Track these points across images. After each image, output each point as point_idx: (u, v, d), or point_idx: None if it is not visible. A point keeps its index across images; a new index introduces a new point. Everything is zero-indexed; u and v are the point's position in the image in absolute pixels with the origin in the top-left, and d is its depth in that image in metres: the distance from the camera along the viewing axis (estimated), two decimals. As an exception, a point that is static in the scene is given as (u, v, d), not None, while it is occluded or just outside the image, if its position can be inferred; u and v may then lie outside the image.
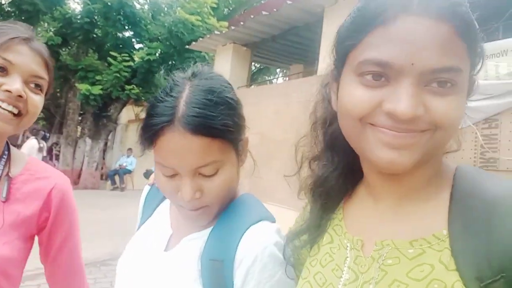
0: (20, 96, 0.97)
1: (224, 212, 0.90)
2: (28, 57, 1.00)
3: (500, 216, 0.53)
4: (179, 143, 0.78)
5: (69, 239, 1.18)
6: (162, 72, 13.19)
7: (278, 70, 14.97)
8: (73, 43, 14.12)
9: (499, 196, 0.55)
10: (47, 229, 1.12)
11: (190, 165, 0.80)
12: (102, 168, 14.88)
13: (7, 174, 1.06)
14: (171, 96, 0.81)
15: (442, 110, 0.56)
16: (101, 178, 14.58)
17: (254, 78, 14.61)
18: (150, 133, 0.81)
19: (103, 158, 15.29)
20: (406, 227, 0.64)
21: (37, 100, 1.03)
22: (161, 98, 0.82)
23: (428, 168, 0.65)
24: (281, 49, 8.03)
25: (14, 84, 0.96)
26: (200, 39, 8.65)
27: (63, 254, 1.17)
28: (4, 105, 0.96)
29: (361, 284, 0.65)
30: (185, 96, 0.81)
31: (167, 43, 12.49)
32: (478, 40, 0.60)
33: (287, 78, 11.40)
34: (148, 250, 0.96)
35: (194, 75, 0.86)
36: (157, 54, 12.81)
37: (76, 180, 13.45)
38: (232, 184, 0.88)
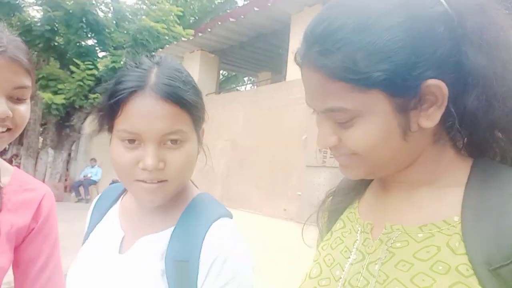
0: (7, 116, 0.94)
1: (184, 212, 0.90)
2: (6, 71, 0.93)
3: None
4: (149, 107, 0.80)
5: (55, 254, 1.13)
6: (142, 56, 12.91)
7: (246, 78, 15.03)
8: (33, 51, 13.64)
9: None
10: (29, 242, 1.07)
11: (158, 130, 0.81)
12: (66, 180, 14.37)
13: None
14: (142, 69, 0.84)
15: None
16: (65, 190, 14.07)
17: (222, 87, 14.58)
18: (118, 98, 0.82)
19: (67, 169, 14.79)
20: (417, 213, 0.67)
21: (23, 111, 0.99)
22: (129, 71, 0.85)
23: (421, 167, 0.68)
24: (249, 56, 8.06)
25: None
26: (167, 46, 8.57)
27: (45, 273, 1.11)
28: None
29: (366, 264, 0.68)
30: (156, 70, 0.84)
31: (133, 51, 12.28)
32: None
33: (255, 86, 11.44)
34: (101, 255, 0.93)
35: (160, 60, 0.88)
36: (122, 62, 12.57)
37: (38, 193, 12.90)
38: (190, 166, 0.88)
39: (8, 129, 0.97)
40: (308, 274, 0.79)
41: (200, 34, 7.20)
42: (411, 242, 0.63)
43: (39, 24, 12.46)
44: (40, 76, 12.47)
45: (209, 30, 6.92)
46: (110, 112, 0.85)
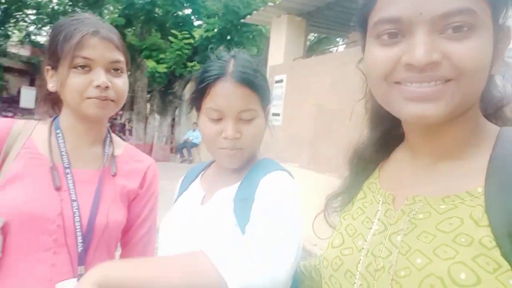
0: (107, 86, 1.12)
1: (250, 170, 1.09)
2: (101, 48, 1.12)
3: None
4: (229, 89, 1.03)
5: (152, 215, 1.34)
6: (221, 48, 13.34)
7: (338, 39, 14.52)
8: (136, 24, 14.69)
9: None
10: (135, 203, 1.29)
11: (235, 108, 1.03)
12: (171, 142, 15.67)
13: (113, 154, 1.27)
14: (223, 60, 1.07)
15: (461, 54, 0.57)
16: (171, 152, 15.36)
17: (314, 49, 14.31)
18: (206, 83, 1.05)
19: (172, 133, 16.06)
20: (440, 185, 0.66)
21: (121, 83, 1.18)
22: (213, 63, 1.07)
23: (465, 125, 0.66)
24: (338, 16, 7.78)
25: (100, 78, 1.11)
26: (255, 12, 8.62)
27: (143, 229, 1.31)
28: (100, 99, 1.13)
29: (389, 234, 0.68)
30: (233, 61, 1.06)
31: (225, 18, 12.57)
32: None
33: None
34: (186, 209, 1.14)
35: (235, 54, 1.10)
36: (215, 30, 12.98)
37: (148, 154, 14.23)
38: (261, 137, 1.09)
39: (111, 101, 1.15)
40: (331, 243, 0.79)
41: (286, -2, 7.14)
42: (434, 214, 0.63)
43: (140, -2, 13.32)
44: (144, 46, 13.47)
45: (295, -7, 6.82)
46: (199, 95, 1.08)
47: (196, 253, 0.84)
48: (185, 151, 14.67)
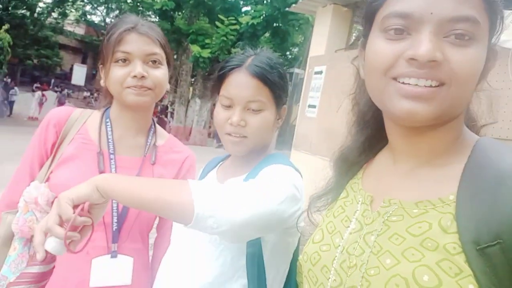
0: (143, 76, 1.20)
1: (258, 163, 1.13)
2: (138, 42, 1.22)
3: (507, 187, 0.55)
4: (241, 79, 1.09)
5: None
6: (266, 35, 13.34)
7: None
8: (185, 7, 14.92)
9: (509, 169, 0.58)
10: None
11: (244, 97, 1.08)
12: (209, 127, 15.90)
13: (154, 144, 1.36)
14: (245, 55, 1.13)
15: (459, 61, 0.59)
16: (209, 136, 15.62)
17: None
18: (224, 72, 1.12)
19: (211, 118, 16.25)
20: (416, 190, 0.68)
21: (158, 73, 1.25)
22: (235, 56, 1.15)
23: (448, 134, 0.68)
24: (386, 9, 7.52)
25: (136, 68, 1.20)
26: (300, 1, 8.49)
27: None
28: (137, 88, 1.22)
29: (364, 234, 0.70)
30: (253, 57, 1.12)
31: (272, 5, 12.50)
32: None
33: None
34: None
35: (258, 52, 1.16)
36: (261, 17, 12.94)
37: (187, 137, 14.61)
38: (266, 130, 1.13)
39: (149, 89, 1.23)
40: (312, 239, 0.83)
41: (333, -13, 6.95)
42: (406, 217, 0.65)
43: (190, -18, 13.49)
44: (191, 31, 13.69)
45: (342, -18, 6.63)
46: (217, 82, 1.15)
47: (184, 181, 0.92)
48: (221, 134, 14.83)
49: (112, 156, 1.26)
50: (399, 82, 0.62)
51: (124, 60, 1.21)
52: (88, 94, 26.13)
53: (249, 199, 0.92)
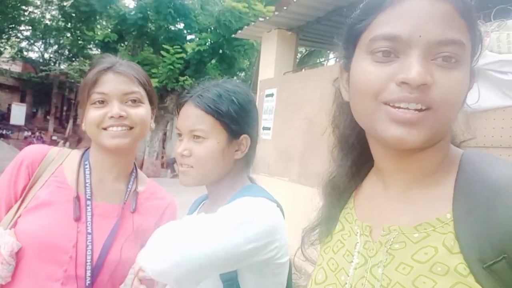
0: (121, 116, 1.15)
1: (228, 200, 1.07)
2: (114, 82, 1.17)
3: (501, 199, 0.55)
4: (186, 111, 1.11)
5: None
6: (213, 62, 13.43)
7: (329, 52, 14.63)
8: (128, 39, 14.76)
9: (501, 180, 0.57)
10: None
11: (187, 126, 1.10)
12: (162, 157, 15.59)
13: (135, 190, 1.29)
14: (198, 87, 1.15)
15: (446, 83, 0.60)
16: (162, 167, 15.29)
17: (305, 62, 14.41)
18: (177, 105, 1.15)
19: (163, 148, 16.01)
20: (412, 213, 0.66)
21: (138, 112, 1.20)
22: (192, 88, 1.16)
23: (436, 154, 0.68)
24: (327, 30, 7.82)
25: (113, 109, 1.15)
26: (245, 27, 8.66)
27: None
28: (114, 128, 1.17)
29: (370, 267, 0.68)
30: (206, 87, 1.13)
31: (217, 32, 12.66)
32: (475, 19, 0.64)
33: (336, 60, 11.08)
34: None
35: (225, 80, 1.18)
36: (207, 44, 13.05)
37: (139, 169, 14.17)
38: (214, 160, 1.09)
39: (130, 128, 1.18)
40: (314, 280, 0.79)
41: (276, 13, 7.18)
42: (408, 243, 0.63)
43: (132, 13, 13.41)
44: (136, 61, 13.42)
45: (285, 8, 6.86)
46: (177, 114, 1.17)
47: None
48: (176, 165, 14.57)
49: (88, 202, 1.19)
50: (390, 106, 0.62)
51: (102, 102, 1.17)
52: (29, 133, 24.83)
53: (174, 244, 0.93)
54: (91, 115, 1.17)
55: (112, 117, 1.15)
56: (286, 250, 1.03)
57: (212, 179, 1.12)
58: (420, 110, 0.60)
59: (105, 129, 1.16)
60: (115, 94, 1.17)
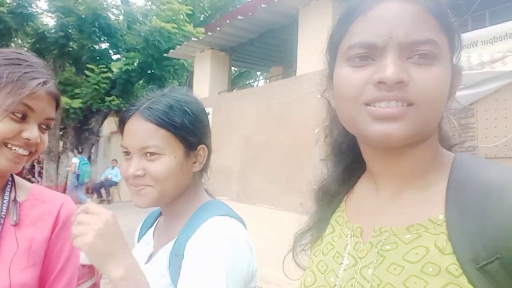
0: (36, 142, 1.02)
1: (189, 219, 1.02)
2: (44, 102, 1.02)
3: (494, 200, 0.56)
4: (133, 126, 1.00)
5: (67, 268, 1.12)
6: (141, 82, 13.11)
7: (258, 73, 15.01)
8: (49, 58, 13.91)
9: (493, 182, 0.58)
10: (48, 252, 1.08)
11: (137, 144, 0.99)
12: (87, 183, 14.68)
13: (14, 199, 1.08)
14: (143, 98, 1.06)
15: (425, 80, 0.61)
16: (87, 192, 14.38)
17: (235, 82, 14.60)
18: (121, 121, 1.05)
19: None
20: (404, 214, 0.67)
21: (45, 138, 1.07)
22: (136, 101, 1.06)
23: (424, 154, 0.69)
24: (259, 52, 8.07)
25: (33, 132, 1.01)
26: (178, 46, 8.63)
27: (60, 283, 1.10)
28: (21, 150, 1.01)
29: (360, 268, 0.67)
30: (152, 98, 1.04)
31: (145, 52, 12.41)
32: (448, 16, 0.66)
33: (268, 81, 11.42)
34: None
35: (170, 90, 1.08)
36: (135, 64, 12.73)
37: (61, 196, 13.19)
38: (173, 176, 1.01)
39: (30, 153, 1.04)
40: (303, 283, 0.78)
41: (209, 33, 7.25)
42: (400, 244, 0.64)
43: (53, 31, 12.70)
44: (57, 81, 12.71)
45: (218, 28, 6.95)
46: (121, 134, 1.07)
47: None
48: (103, 190, 13.80)
49: None
50: (370, 106, 0.63)
51: (24, 116, 1.00)
52: None
53: None
54: (3, 126, 0.98)
55: (27, 139, 1.00)
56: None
57: (171, 196, 1.03)
58: (402, 106, 0.62)
59: (6, 145, 1.00)
60: (39, 114, 1.02)
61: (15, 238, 1.02)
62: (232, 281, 0.89)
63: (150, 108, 1.00)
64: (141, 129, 0.99)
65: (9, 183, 1.10)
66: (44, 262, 1.07)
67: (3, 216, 1.04)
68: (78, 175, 12.27)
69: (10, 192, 1.09)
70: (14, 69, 0.99)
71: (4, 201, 1.06)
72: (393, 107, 0.62)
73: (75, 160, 12.61)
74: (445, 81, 0.64)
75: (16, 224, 1.04)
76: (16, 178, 1.14)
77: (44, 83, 1.01)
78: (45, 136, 1.07)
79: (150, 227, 1.18)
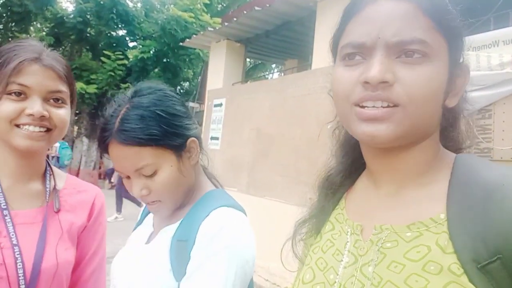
0: (43, 116, 1.02)
1: (193, 206, 1.03)
2: (40, 76, 1.03)
3: (496, 200, 0.56)
4: (117, 152, 0.96)
5: (100, 250, 1.23)
6: (156, 70, 13.17)
7: (273, 65, 14.94)
8: (66, 43, 14.05)
9: (496, 182, 0.58)
10: (82, 237, 1.18)
11: (128, 169, 0.97)
12: (100, 167, 14.87)
13: (54, 188, 1.16)
14: (112, 116, 0.98)
15: (412, 80, 0.61)
16: (99, 177, 14.57)
17: (249, 74, 14.55)
18: (102, 147, 1.00)
19: (101, 157, 15.27)
20: (405, 212, 0.67)
21: (61, 113, 1.07)
22: (105, 119, 0.99)
23: (423, 153, 0.69)
24: (275, 44, 8.02)
25: (35, 106, 1.01)
26: (194, 36, 8.61)
27: (92, 264, 1.20)
28: (31, 128, 1.03)
29: (360, 266, 0.67)
30: (121, 114, 0.96)
31: (161, 40, 12.45)
32: (446, 14, 0.64)
33: (282, 74, 11.37)
34: (133, 247, 1.12)
35: (135, 93, 1.01)
36: (151, 52, 12.78)
37: (74, 180, 13.39)
38: (177, 181, 1.00)
39: (48, 130, 1.05)
40: (301, 279, 0.77)
41: (226, 24, 7.22)
42: (401, 242, 0.63)
43: (71, 16, 12.83)
44: (73, 66, 12.85)
45: (234, 19, 6.92)
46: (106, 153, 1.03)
47: None
48: (115, 176, 13.97)
49: (6, 212, 1.03)
50: (359, 106, 0.64)
51: (20, 94, 1.01)
52: None
53: None
54: (5, 108, 1.01)
55: (31, 115, 1.01)
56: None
57: (182, 199, 1.04)
58: (388, 107, 0.62)
59: (18, 126, 1.02)
60: (39, 89, 1.03)
61: (59, 223, 1.11)
62: (239, 278, 0.91)
63: (124, 130, 0.94)
64: (125, 155, 0.95)
65: (48, 170, 1.18)
66: (79, 244, 1.17)
67: (47, 203, 1.12)
68: (58, 158, 12.48)
69: (50, 180, 1.16)
70: (6, 56, 1.03)
71: (47, 189, 1.14)
72: (379, 107, 0.62)
73: (56, 144, 12.78)
74: (435, 82, 0.63)
75: (58, 211, 1.13)
76: (53, 166, 1.21)
77: (35, 58, 1.03)
78: (62, 111, 1.08)
79: (148, 214, 1.20)
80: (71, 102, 1.13)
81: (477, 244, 0.55)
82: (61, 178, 1.21)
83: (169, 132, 0.98)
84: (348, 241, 0.73)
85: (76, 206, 1.18)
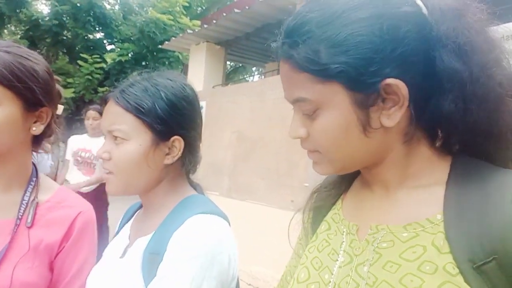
0: None
1: (169, 214, 0.96)
2: None
3: (493, 202, 0.56)
4: (107, 108, 0.99)
5: (83, 272, 1.10)
6: (135, 73, 13.00)
7: (254, 68, 14.95)
8: (42, 46, 13.76)
9: (492, 183, 0.59)
10: (60, 258, 1.07)
11: (105, 126, 0.98)
12: (77, 173, 14.60)
13: (34, 200, 1.08)
14: (129, 79, 1.02)
15: (315, 132, 0.66)
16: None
17: (230, 77, 14.52)
18: (102, 102, 1.02)
19: (79, 163, 15.01)
20: (401, 213, 0.67)
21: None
22: (122, 82, 1.02)
23: (392, 166, 0.69)
24: (255, 46, 8.01)
25: None
26: (173, 38, 8.53)
27: (75, 284, 1.09)
28: None
29: (355, 266, 0.67)
30: (134, 80, 0.99)
31: (140, 43, 12.30)
32: (319, 57, 0.62)
33: (263, 76, 11.39)
34: (108, 262, 1.05)
35: (160, 74, 1.03)
36: (129, 55, 12.62)
37: (50, 187, 13.11)
38: (137, 163, 0.96)
39: None
40: (296, 279, 0.77)
41: (205, 26, 7.18)
42: (397, 242, 0.64)
43: (47, 19, 12.57)
44: (50, 71, 12.61)
45: (214, 21, 6.88)
46: None
47: None
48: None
49: None
50: None
51: None
52: None
53: None
54: None
55: None
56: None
57: (138, 188, 0.99)
58: (312, 152, 0.69)
59: None
60: None
61: (28, 239, 1.02)
62: (208, 284, 0.86)
63: (123, 91, 0.96)
64: (110, 112, 0.97)
65: (32, 182, 1.10)
66: (56, 265, 1.07)
67: (20, 217, 1.04)
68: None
69: (31, 192, 1.09)
70: None
71: (23, 202, 1.06)
72: (312, 153, 0.70)
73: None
74: (332, 128, 0.64)
75: (30, 226, 1.04)
76: (43, 178, 1.14)
77: None
78: None
79: (130, 219, 1.14)
80: (27, 101, 1.02)
81: (473, 244, 0.55)
82: (48, 191, 1.13)
83: (157, 114, 0.95)
84: (343, 241, 0.73)
85: (51, 222, 1.08)
